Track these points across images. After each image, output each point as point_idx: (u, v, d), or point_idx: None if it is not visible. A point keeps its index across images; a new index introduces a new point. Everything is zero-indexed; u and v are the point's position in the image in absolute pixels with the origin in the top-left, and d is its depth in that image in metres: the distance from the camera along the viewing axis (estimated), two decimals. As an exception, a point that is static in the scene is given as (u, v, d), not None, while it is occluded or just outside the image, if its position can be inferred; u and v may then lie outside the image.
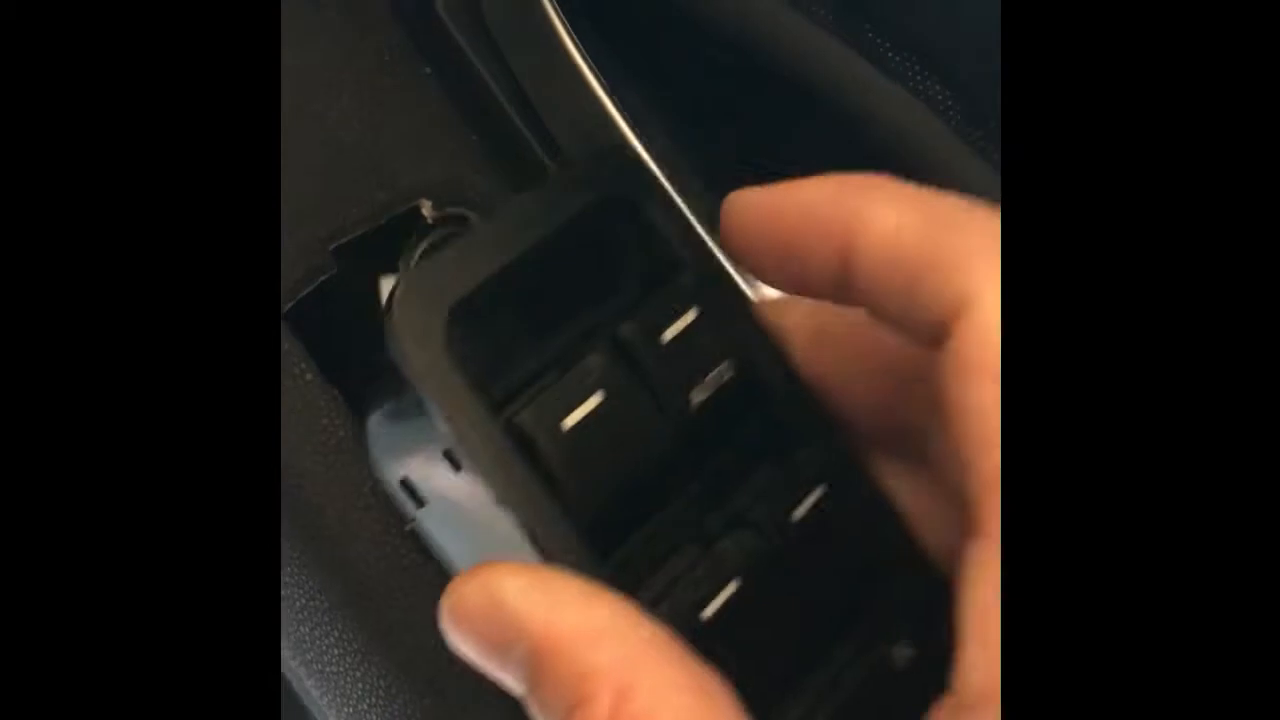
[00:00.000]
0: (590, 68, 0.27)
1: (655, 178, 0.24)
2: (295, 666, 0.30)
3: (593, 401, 0.22)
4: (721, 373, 0.23)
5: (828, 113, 0.23)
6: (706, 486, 0.23)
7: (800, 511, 0.22)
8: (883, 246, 0.20)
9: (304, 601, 0.28)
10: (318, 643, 0.28)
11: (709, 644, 0.21)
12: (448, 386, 0.22)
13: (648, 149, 0.27)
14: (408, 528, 0.24)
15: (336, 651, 0.28)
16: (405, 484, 0.24)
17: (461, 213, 0.30)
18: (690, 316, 0.23)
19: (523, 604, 0.20)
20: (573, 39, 0.27)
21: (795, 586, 0.23)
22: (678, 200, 0.26)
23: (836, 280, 0.21)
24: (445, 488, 0.23)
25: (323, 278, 0.28)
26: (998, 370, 0.19)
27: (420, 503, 0.24)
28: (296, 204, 0.27)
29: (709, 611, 0.21)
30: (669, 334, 0.23)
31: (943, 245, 0.20)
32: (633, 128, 0.27)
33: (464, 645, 0.20)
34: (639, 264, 0.24)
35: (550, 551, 0.21)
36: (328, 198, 0.28)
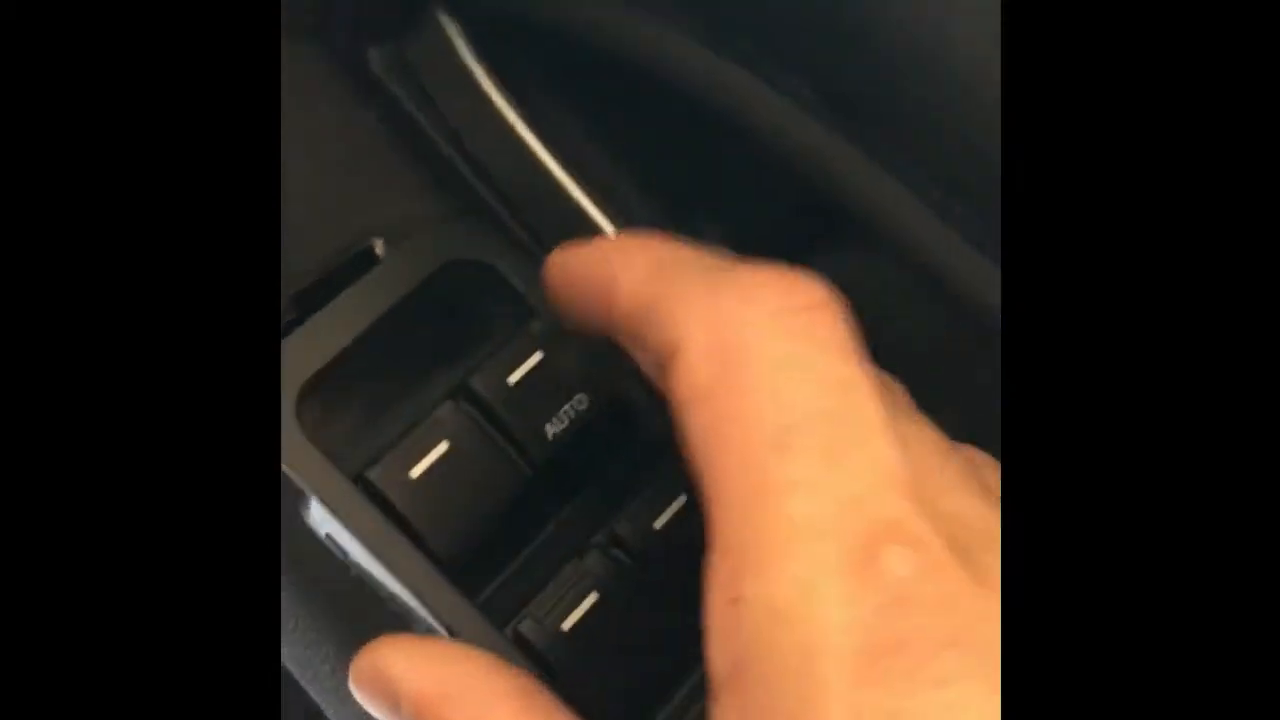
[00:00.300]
0: (519, 116, 0.29)
1: (509, 235, 0.28)
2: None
3: (439, 450, 0.25)
4: (577, 404, 0.26)
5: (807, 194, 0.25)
6: (580, 509, 0.26)
7: (661, 521, 0.25)
8: (624, 301, 0.23)
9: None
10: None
11: (570, 653, 0.24)
12: (302, 456, 0.25)
13: (588, 192, 0.29)
14: (353, 573, 0.27)
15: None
16: (329, 538, 0.26)
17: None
18: (536, 358, 0.26)
19: (399, 672, 0.23)
20: (500, 91, 0.29)
21: (657, 592, 0.26)
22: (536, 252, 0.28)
23: (609, 329, 0.23)
24: (346, 542, 0.26)
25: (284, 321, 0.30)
26: (703, 402, 0.21)
27: (344, 553, 0.26)
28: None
29: (568, 623, 0.25)
30: (515, 376, 0.26)
31: (660, 297, 0.22)
32: (566, 170, 0.29)
33: (367, 707, 0.24)
34: (498, 318, 0.27)
35: (418, 590, 0.24)
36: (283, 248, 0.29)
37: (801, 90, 0.25)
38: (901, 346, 0.25)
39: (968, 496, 0.21)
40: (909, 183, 0.24)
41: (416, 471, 0.25)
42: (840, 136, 0.25)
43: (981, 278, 0.24)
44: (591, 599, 0.25)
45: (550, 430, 0.26)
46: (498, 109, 0.29)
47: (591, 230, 0.29)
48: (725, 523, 0.20)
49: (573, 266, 0.24)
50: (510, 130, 0.29)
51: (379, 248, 0.31)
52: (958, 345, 0.26)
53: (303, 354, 0.26)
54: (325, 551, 0.27)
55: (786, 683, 0.19)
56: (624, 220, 0.29)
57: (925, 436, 0.23)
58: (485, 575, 0.27)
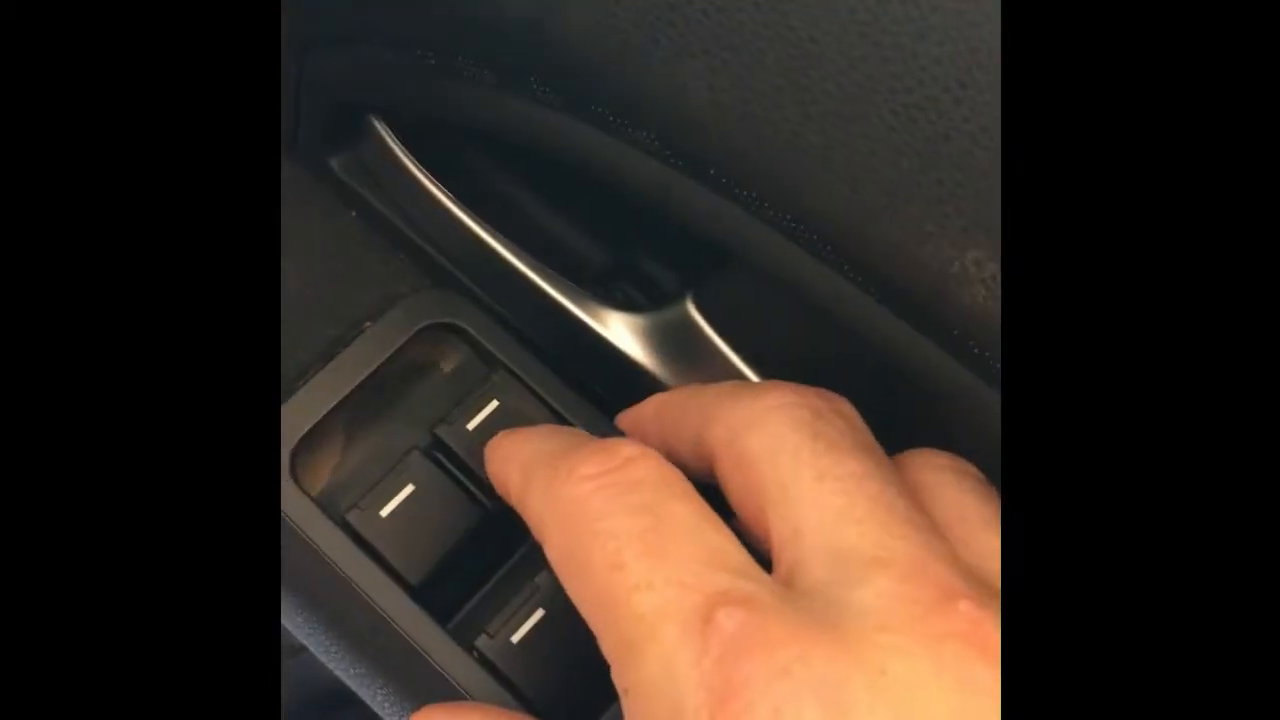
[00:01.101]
0: (452, 199, 0.32)
1: (475, 300, 0.32)
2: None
3: (405, 491, 0.30)
4: None
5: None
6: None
7: None
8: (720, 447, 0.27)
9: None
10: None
11: (522, 663, 0.28)
12: (295, 506, 0.30)
13: (522, 258, 0.32)
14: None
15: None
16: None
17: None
18: (493, 405, 0.30)
19: None
20: (432, 179, 0.32)
21: None
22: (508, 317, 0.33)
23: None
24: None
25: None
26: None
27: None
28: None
29: (517, 636, 0.28)
30: (474, 423, 0.31)
31: (753, 447, 0.26)
32: (501, 239, 0.32)
33: None
34: (466, 371, 0.31)
35: (393, 616, 0.29)
36: (284, 339, 0.34)
37: (652, 146, 0.27)
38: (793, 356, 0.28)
39: (863, 533, 0.24)
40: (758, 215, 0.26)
41: (386, 511, 0.30)
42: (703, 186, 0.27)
43: (835, 289, 0.26)
44: (539, 614, 0.29)
45: None
46: (434, 195, 0.32)
47: (532, 290, 0.32)
48: (600, 635, 0.24)
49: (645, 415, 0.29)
50: (448, 212, 0.32)
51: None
52: (834, 353, 0.28)
53: (297, 417, 0.31)
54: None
55: None
56: (568, 267, 0.32)
57: (841, 470, 0.25)
58: (458, 601, 0.31)
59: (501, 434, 0.29)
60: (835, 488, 0.24)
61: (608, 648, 0.24)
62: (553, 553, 0.25)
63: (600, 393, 0.33)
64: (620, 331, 0.32)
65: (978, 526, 0.26)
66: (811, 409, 0.26)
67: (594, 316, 0.32)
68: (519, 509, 0.27)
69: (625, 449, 0.25)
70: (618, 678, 0.23)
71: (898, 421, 0.28)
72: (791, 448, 0.25)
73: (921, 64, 0.22)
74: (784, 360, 0.31)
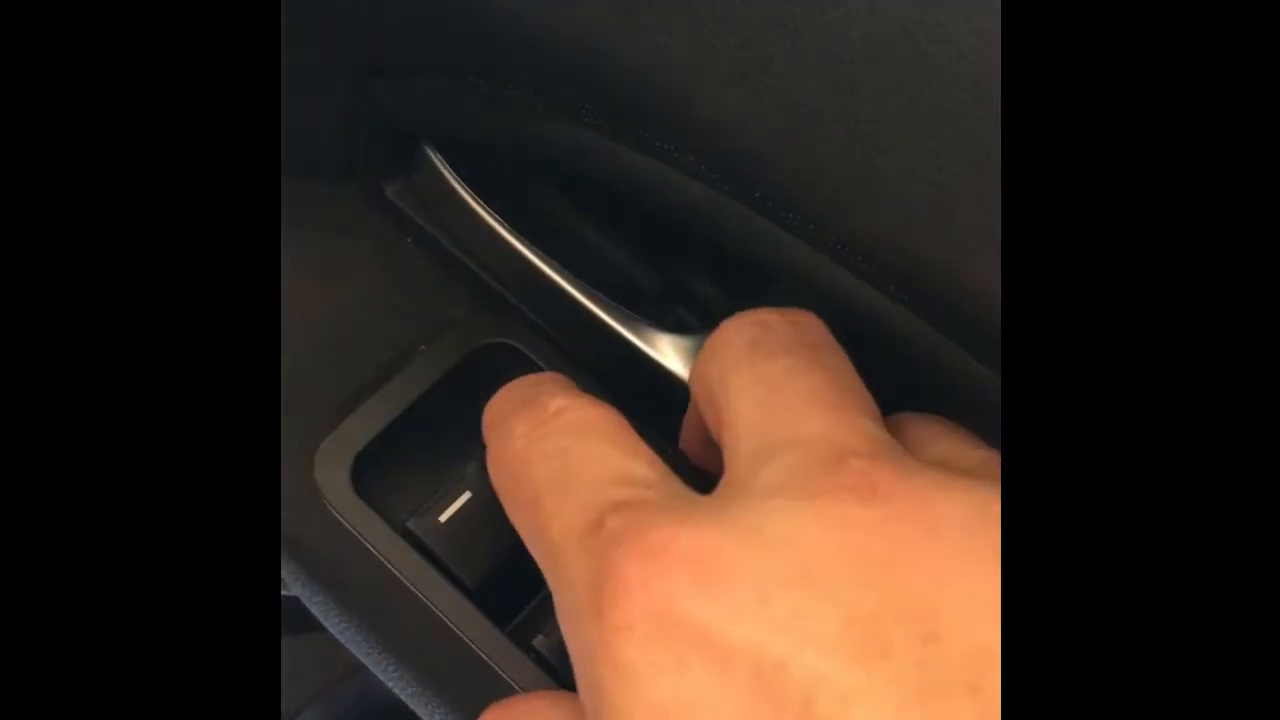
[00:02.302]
0: (504, 225, 0.33)
1: (526, 322, 0.33)
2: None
3: (463, 498, 0.30)
4: None
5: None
6: None
7: None
8: (695, 385, 0.28)
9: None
10: None
11: None
12: (357, 513, 0.31)
13: (573, 282, 0.33)
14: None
15: None
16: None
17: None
18: None
19: None
20: (484, 206, 0.33)
21: None
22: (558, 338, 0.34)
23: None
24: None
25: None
26: (750, 453, 0.24)
27: None
28: (306, 378, 0.34)
29: None
30: None
31: (711, 371, 0.26)
32: (552, 264, 0.33)
33: None
34: None
35: (453, 619, 0.30)
36: (339, 370, 0.34)
37: (698, 170, 0.27)
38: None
39: (780, 421, 0.24)
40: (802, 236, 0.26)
41: (444, 517, 0.30)
42: (748, 208, 0.27)
43: (879, 308, 0.26)
44: None
45: None
46: (486, 222, 0.33)
47: (583, 313, 0.33)
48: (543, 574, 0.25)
49: None
50: (501, 238, 0.33)
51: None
52: (880, 370, 0.28)
53: (358, 430, 0.32)
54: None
55: None
56: (620, 290, 0.33)
57: (771, 370, 0.25)
58: (516, 605, 0.32)
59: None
60: (763, 388, 0.25)
61: (549, 583, 0.25)
62: (504, 504, 0.27)
63: (652, 413, 0.33)
64: (670, 353, 0.32)
65: (929, 434, 0.26)
66: (760, 324, 0.26)
67: (645, 339, 0.33)
68: None
69: (556, 401, 0.26)
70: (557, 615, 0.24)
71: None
72: (732, 362, 0.26)
73: (962, 84, 0.22)
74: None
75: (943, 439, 0.26)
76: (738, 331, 0.26)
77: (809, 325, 0.27)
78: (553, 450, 0.25)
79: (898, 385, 0.28)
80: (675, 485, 0.24)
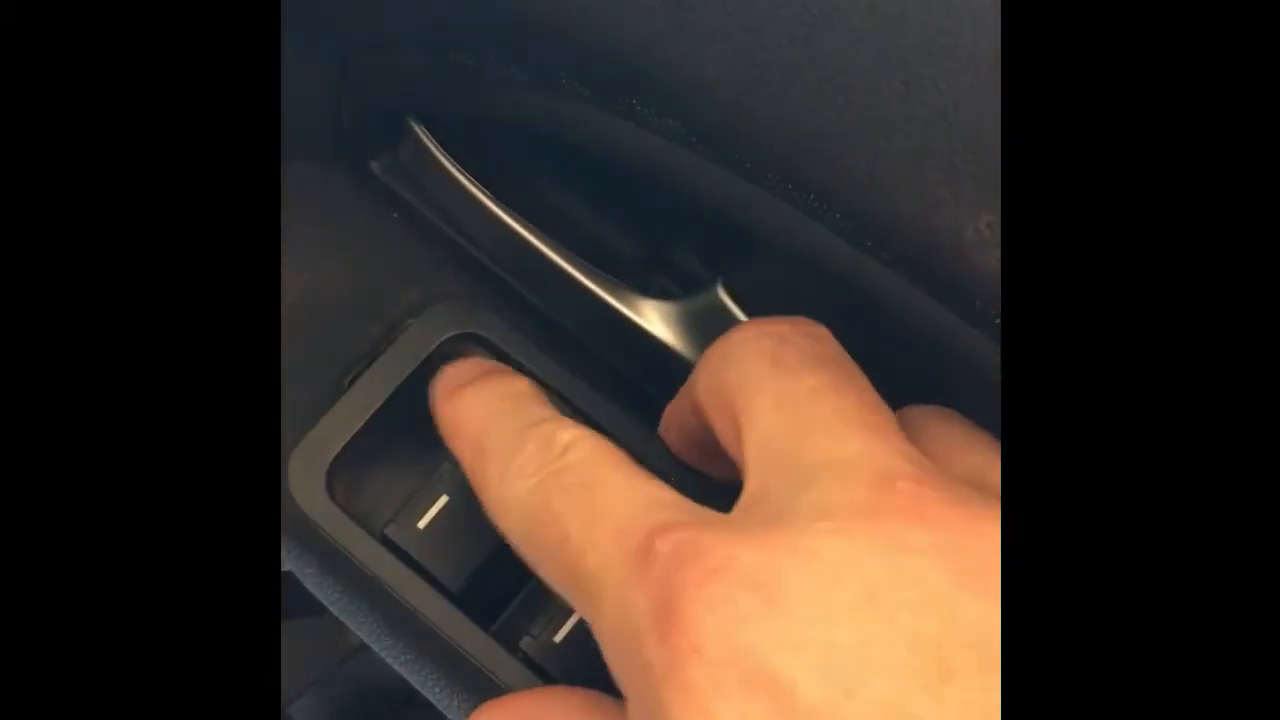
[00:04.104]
0: (490, 197, 0.33)
1: (508, 302, 0.33)
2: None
3: (440, 502, 0.30)
4: None
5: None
6: None
7: None
8: (704, 393, 0.28)
9: None
10: None
11: (565, 660, 0.29)
12: (333, 520, 0.30)
13: (561, 253, 0.33)
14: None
15: None
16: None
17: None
18: None
19: None
20: (470, 178, 0.33)
21: None
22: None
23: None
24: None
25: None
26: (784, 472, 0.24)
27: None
28: (298, 357, 0.34)
29: (560, 636, 0.29)
30: None
31: (726, 381, 0.26)
32: (540, 236, 0.33)
33: None
34: None
35: (437, 623, 0.30)
36: (327, 344, 0.35)
37: (678, 133, 0.27)
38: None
39: (814, 443, 0.24)
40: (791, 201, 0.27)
41: (423, 523, 0.31)
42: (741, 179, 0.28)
43: (855, 263, 0.26)
44: (577, 616, 0.30)
45: None
46: (472, 194, 0.33)
47: (569, 282, 0.33)
48: (576, 608, 0.25)
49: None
50: (486, 210, 0.33)
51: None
52: (860, 329, 0.28)
53: (328, 437, 0.31)
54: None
55: None
56: (604, 261, 0.33)
57: (797, 390, 0.25)
58: (499, 606, 0.32)
59: (446, 389, 0.30)
60: (790, 407, 0.25)
61: (584, 616, 0.25)
62: (516, 546, 0.27)
63: (638, 379, 0.33)
64: (655, 319, 0.33)
65: (956, 446, 0.26)
66: (775, 336, 0.26)
67: (630, 306, 0.33)
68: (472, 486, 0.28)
69: (562, 436, 0.26)
70: (598, 639, 0.24)
71: (930, 396, 0.29)
72: (753, 377, 0.26)
73: (929, 34, 0.22)
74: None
75: (971, 453, 0.27)
76: (755, 343, 0.26)
77: (824, 338, 0.27)
78: (572, 484, 0.25)
79: (879, 343, 0.28)
80: (701, 508, 0.24)
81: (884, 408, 0.25)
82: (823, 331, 0.27)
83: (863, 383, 0.26)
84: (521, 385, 0.30)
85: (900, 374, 0.28)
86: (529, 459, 0.26)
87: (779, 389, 0.25)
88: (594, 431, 0.27)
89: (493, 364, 0.32)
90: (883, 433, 0.24)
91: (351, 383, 0.35)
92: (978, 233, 0.23)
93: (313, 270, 0.36)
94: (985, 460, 0.26)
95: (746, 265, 0.32)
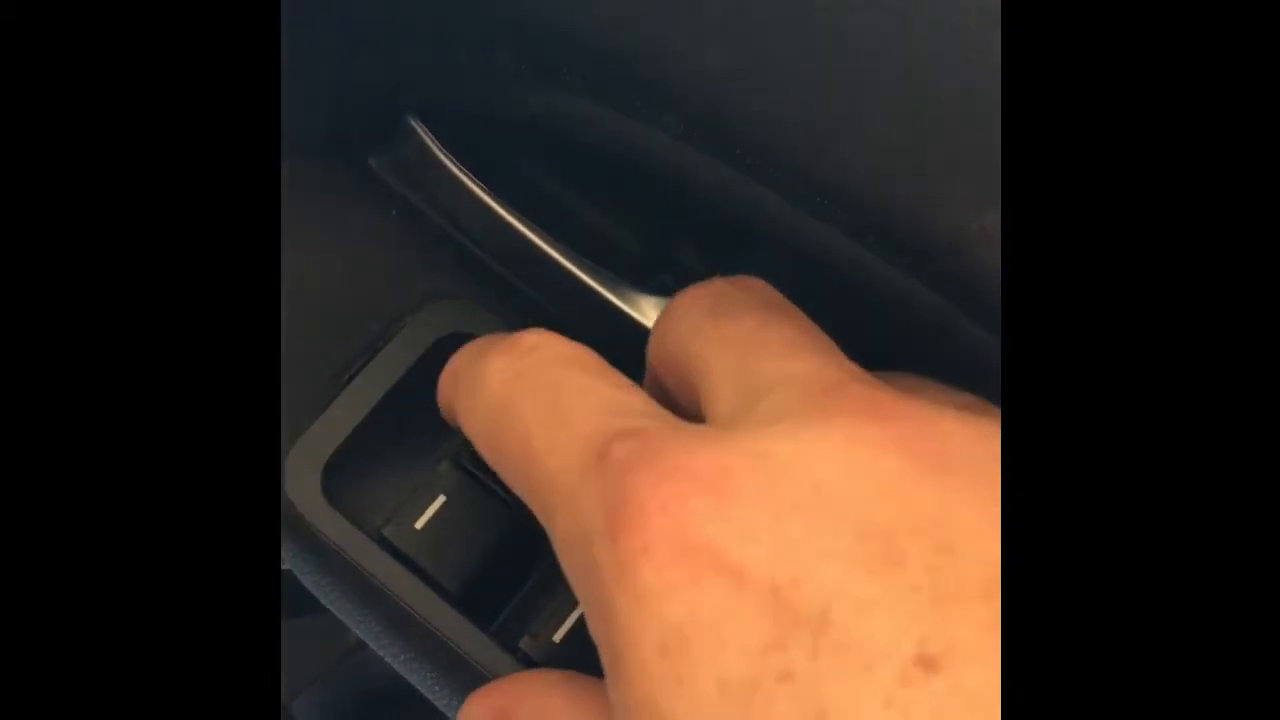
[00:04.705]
0: (489, 193, 0.33)
1: (496, 311, 0.33)
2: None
3: (438, 502, 0.30)
4: None
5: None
6: None
7: None
8: (657, 361, 0.28)
9: None
10: None
11: (565, 659, 0.29)
12: (329, 520, 0.30)
13: (562, 251, 0.33)
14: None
15: None
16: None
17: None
18: None
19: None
20: (469, 175, 0.33)
21: None
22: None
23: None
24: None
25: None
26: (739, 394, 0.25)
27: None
28: (296, 354, 0.34)
29: (559, 635, 0.29)
30: None
31: (674, 341, 0.27)
32: (541, 234, 0.33)
33: None
34: None
35: (435, 625, 0.29)
36: (325, 341, 0.34)
37: (677, 128, 0.27)
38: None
39: (764, 367, 0.25)
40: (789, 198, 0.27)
41: (421, 523, 0.30)
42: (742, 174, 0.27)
43: (856, 259, 0.26)
44: (578, 612, 0.29)
45: None
46: (471, 191, 0.33)
47: (568, 278, 0.33)
48: (534, 511, 0.25)
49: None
50: (486, 208, 0.33)
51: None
52: (861, 324, 0.28)
53: (324, 435, 0.31)
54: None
55: None
56: (604, 257, 0.33)
57: (739, 329, 0.26)
58: (498, 605, 0.32)
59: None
60: (736, 345, 0.25)
61: (542, 522, 0.25)
62: (485, 455, 0.27)
63: (638, 376, 0.33)
64: (655, 316, 0.33)
65: (916, 384, 0.26)
66: (713, 293, 0.27)
67: (630, 303, 0.33)
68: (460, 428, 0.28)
69: (528, 339, 0.27)
70: (554, 546, 0.24)
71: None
72: (696, 330, 0.26)
73: (928, 25, 0.22)
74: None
75: (928, 388, 0.27)
76: (694, 302, 0.27)
77: (761, 288, 0.27)
78: (539, 383, 0.26)
79: (879, 340, 0.28)
80: (669, 415, 0.24)
81: (830, 341, 0.26)
82: (760, 283, 0.27)
83: (805, 321, 0.26)
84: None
85: (902, 370, 0.28)
86: (496, 358, 0.27)
87: (721, 334, 0.26)
88: (565, 338, 0.27)
89: None
90: (834, 355, 0.25)
91: (349, 380, 0.35)
92: (981, 229, 0.23)
93: (311, 267, 0.35)
94: (938, 393, 0.27)
95: (748, 261, 0.32)
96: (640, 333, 0.33)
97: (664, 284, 0.34)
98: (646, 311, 0.33)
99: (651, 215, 0.34)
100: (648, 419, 0.24)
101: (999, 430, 0.22)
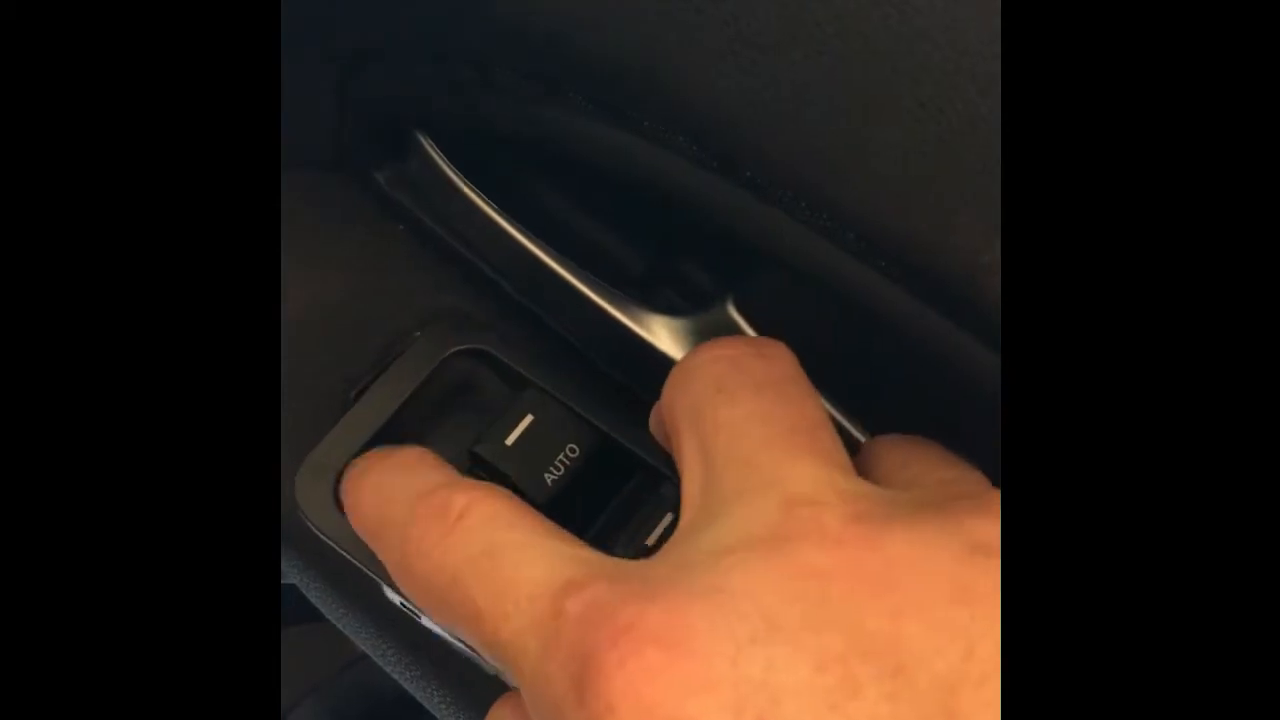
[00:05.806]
0: (497, 210, 0.33)
1: (509, 317, 0.33)
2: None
3: None
4: (569, 453, 0.30)
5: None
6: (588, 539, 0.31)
7: (652, 539, 0.30)
8: (665, 413, 0.28)
9: None
10: None
11: None
12: (339, 534, 0.30)
13: (566, 266, 0.33)
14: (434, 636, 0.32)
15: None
16: (403, 605, 0.31)
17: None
18: (528, 420, 0.30)
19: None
20: (477, 191, 0.33)
21: None
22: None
23: None
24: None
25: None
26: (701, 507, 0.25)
27: (417, 615, 0.31)
28: (303, 370, 0.34)
29: None
30: (511, 438, 0.31)
31: (677, 406, 0.27)
32: (547, 250, 0.33)
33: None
34: (496, 391, 0.32)
35: (446, 641, 0.29)
36: (332, 357, 0.34)
37: (688, 150, 0.27)
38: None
39: (731, 475, 0.25)
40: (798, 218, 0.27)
41: None
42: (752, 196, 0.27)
43: (868, 283, 0.26)
44: None
45: (549, 478, 0.30)
46: (478, 207, 0.33)
47: (576, 296, 0.33)
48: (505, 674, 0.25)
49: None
50: (492, 223, 0.33)
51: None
52: (871, 348, 0.28)
53: (334, 451, 0.31)
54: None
55: None
56: (612, 273, 0.33)
57: (731, 415, 0.26)
58: None
59: (345, 486, 0.30)
60: (723, 434, 0.25)
61: (509, 682, 0.25)
62: (430, 614, 0.27)
63: (645, 394, 0.33)
64: (662, 334, 0.33)
65: (933, 462, 0.26)
66: (729, 359, 0.27)
67: (637, 321, 0.33)
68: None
69: (457, 501, 0.26)
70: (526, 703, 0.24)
71: (937, 416, 0.28)
72: (699, 403, 0.26)
73: (947, 54, 0.22)
74: (823, 358, 0.31)
75: (912, 464, 0.27)
76: (708, 367, 0.27)
77: (777, 357, 0.27)
78: (475, 552, 0.25)
79: (889, 363, 0.28)
80: (608, 560, 0.24)
81: (819, 429, 0.26)
82: (780, 350, 0.27)
83: (802, 404, 0.26)
84: (412, 454, 0.30)
85: (909, 394, 0.28)
86: (425, 532, 0.26)
87: (717, 418, 0.26)
88: (490, 487, 0.27)
89: (387, 448, 0.31)
90: (804, 458, 0.25)
91: (358, 396, 0.35)
92: (995, 258, 0.23)
93: (317, 283, 0.35)
94: (921, 469, 0.27)
95: (757, 282, 0.32)
96: (646, 350, 0.33)
97: (671, 301, 0.34)
98: (653, 329, 0.33)
99: (660, 233, 0.34)
100: (590, 566, 0.24)
101: (965, 518, 0.23)
